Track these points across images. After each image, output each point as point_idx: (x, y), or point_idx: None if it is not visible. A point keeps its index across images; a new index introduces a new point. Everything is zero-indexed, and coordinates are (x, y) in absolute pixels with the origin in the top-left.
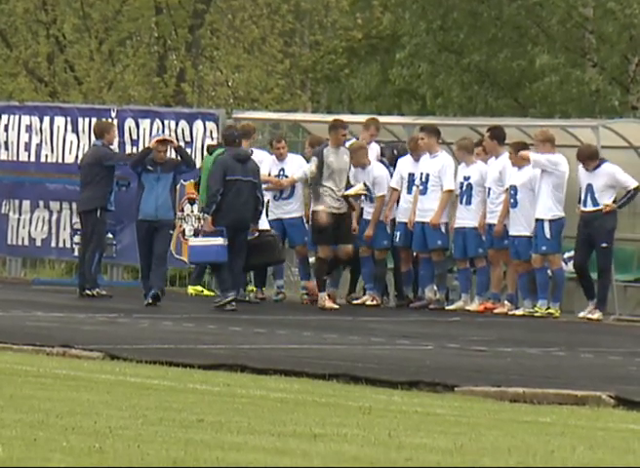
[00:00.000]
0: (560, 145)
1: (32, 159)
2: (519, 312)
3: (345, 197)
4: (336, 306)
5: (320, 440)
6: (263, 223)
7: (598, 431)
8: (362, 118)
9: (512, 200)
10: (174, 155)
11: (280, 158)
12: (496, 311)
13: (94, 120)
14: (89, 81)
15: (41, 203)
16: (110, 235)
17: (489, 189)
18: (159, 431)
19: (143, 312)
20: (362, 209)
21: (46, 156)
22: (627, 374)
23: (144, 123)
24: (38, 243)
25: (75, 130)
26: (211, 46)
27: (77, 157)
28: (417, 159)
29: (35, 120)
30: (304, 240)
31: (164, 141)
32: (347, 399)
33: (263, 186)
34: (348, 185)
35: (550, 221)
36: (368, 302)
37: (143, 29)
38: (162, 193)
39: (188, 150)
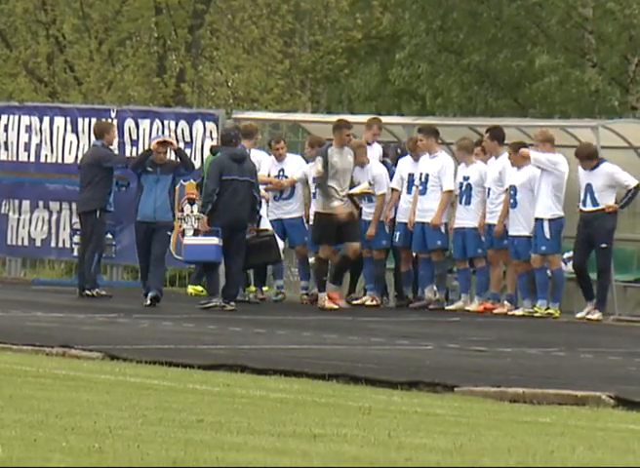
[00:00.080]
0: (560, 145)
1: (32, 159)
2: (519, 312)
3: (350, 196)
4: (335, 306)
5: (320, 440)
6: (265, 223)
7: (598, 431)
8: (362, 118)
9: (512, 200)
10: (173, 156)
11: (279, 159)
12: (495, 311)
13: (93, 120)
14: (88, 81)
15: (41, 203)
16: (110, 235)
17: (488, 189)
18: (159, 431)
19: (143, 312)
20: (361, 209)
21: (46, 156)
22: (627, 375)
23: (144, 123)
24: (38, 243)
25: (75, 130)
26: (210, 46)
27: (77, 157)
28: (416, 159)
29: (35, 120)
30: (304, 240)
31: (164, 143)
32: (347, 399)
33: (263, 187)
34: (353, 185)
35: (550, 221)
36: (368, 302)
37: (143, 29)
38: (161, 195)
39: (188, 150)
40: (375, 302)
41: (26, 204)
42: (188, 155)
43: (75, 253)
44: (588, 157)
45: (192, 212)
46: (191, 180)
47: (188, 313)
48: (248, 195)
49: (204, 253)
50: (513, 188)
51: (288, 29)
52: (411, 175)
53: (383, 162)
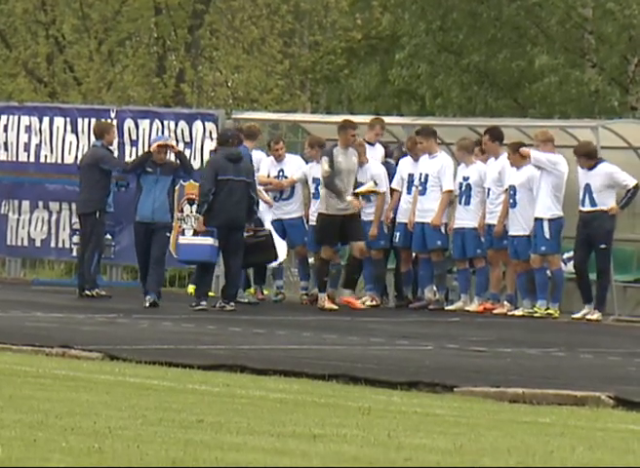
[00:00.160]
0: (559, 146)
1: (32, 159)
2: (518, 312)
3: (356, 195)
4: (335, 307)
5: (319, 440)
6: (267, 223)
7: (597, 431)
8: (361, 118)
9: (511, 200)
10: (173, 157)
11: (278, 159)
12: (495, 311)
13: (93, 120)
14: (88, 81)
15: (40, 203)
16: (109, 236)
17: (488, 190)
18: (158, 431)
19: (143, 312)
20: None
21: (45, 156)
22: (627, 375)
23: (144, 123)
24: (37, 243)
25: (75, 130)
26: (210, 46)
27: (77, 157)
28: (416, 159)
29: (35, 120)
30: (304, 240)
31: (165, 146)
32: (347, 399)
33: (261, 187)
34: (357, 184)
35: (550, 221)
36: (367, 303)
37: (143, 30)
38: (160, 195)
39: (187, 151)
40: (374, 302)
41: (26, 204)
42: (188, 155)
43: (74, 254)
44: (586, 155)
45: (192, 212)
46: (191, 181)
47: (188, 313)
48: (244, 195)
49: (198, 252)
50: (513, 188)
51: (287, 29)
52: (410, 176)
53: (386, 162)
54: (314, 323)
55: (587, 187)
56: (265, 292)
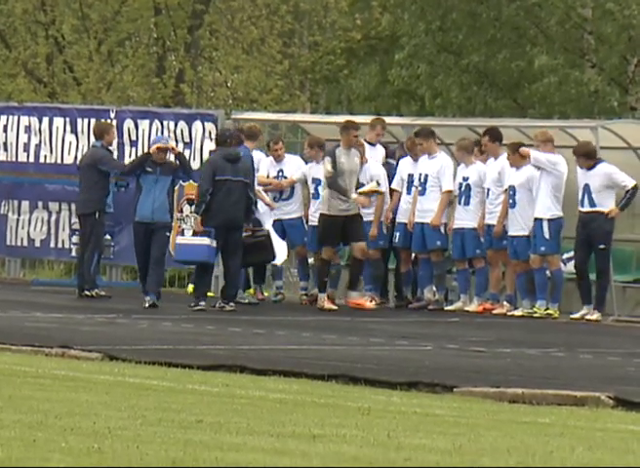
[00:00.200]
0: (559, 146)
1: (31, 160)
2: (518, 313)
3: (354, 200)
4: (335, 307)
5: (319, 440)
6: (267, 225)
7: (597, 431)
8: (362, 119)
9: (511, 200)
10: (173, 158)
11: (278, 159)
12: (495, 312)
13: (93, 121)
14: (88, 82)
15: (40, 203)
16: (108, 236)
17: (488, 190)
18: (158, 431)
19: (142, 313)
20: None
21: (45, 157)
22: (626, 375)
23: (143, 124)
24: (37, 243)
25: (74, 130)
26: (210, 47)
27: (76, 158)
28: (416, 160)
29: (34, 121)
30: (304, 241)
31: (165, 149)
32: (346, 399)
33: (260, 188)
34: (359, 185)
35: (549, 221)
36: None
37: (142, 30)
38: (159, 195)
39: (187, 151)
40: (374, 302)
41: (26, 204)
42: (188, 156)
43: (73, 254)
44: (585, 155)
45: (192, 212)
46: (191, 181)
47: (187, 314)
48: (242, 195)
49: (194, 253)
50: (512, 188)
51: (287, 30)
52: (410, 176)
53: (387, 163)
54: (314, 323)
55: (586, 187)
56: (266, 294)
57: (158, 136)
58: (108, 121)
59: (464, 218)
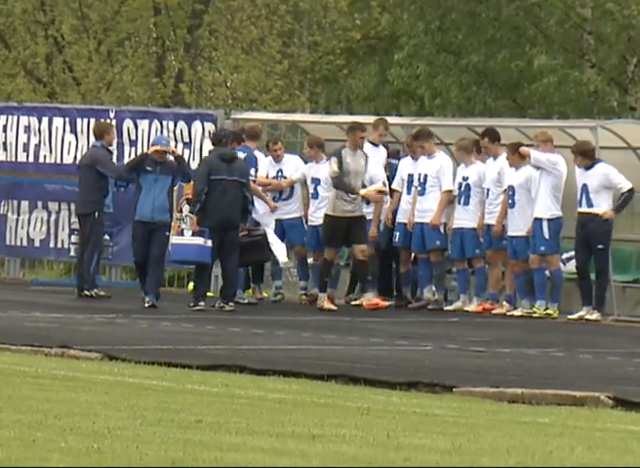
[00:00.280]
0: (558, 146)
1: (31, 160)
2: (517, 313)
3: (364, 195)
4: (334, 307)
5: (319, 440)
6: (268, 228)
7: (596, 431)
8: (360, 119)
9: (510, 200)
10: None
11: (277, 160)
12: (494, 312)
13: (92, 121)
14: (87, 82)
15: (39, 203)
16: (107, 236)
17: (487, 190)
18: (158, 431)
19: (142, 313)
20: None
21: (44, 157)
22: (626, 375)
23: (143, 124)
24: (37, 243)
25: (74, 130)
26: (209, 46)
27: (76, 158)
28: (416, 159)
29: (34, 121)
30: (303, 240)
31: (164, 152)
32: (346, 399)
33: (260, 188)
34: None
35: (549, 221)
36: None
37: (142, 30)
38: (159, 195)
39: (186, 151)
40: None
41: (25, 204)
42: (187, 155)
43: (72, 253)
44: (583, 154)
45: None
46: (192, 181)
47: (187, 313)
48: (238, 195)
49: (186, 252)
50: (511, 188)
51: (287, 30)
52: (410, 176)
53: (389, 163)
54: (313, 323)
55: (584, 187)
56: (265, 295)
57: (158, 135)
58: (108, 121)
59: (464, 218)
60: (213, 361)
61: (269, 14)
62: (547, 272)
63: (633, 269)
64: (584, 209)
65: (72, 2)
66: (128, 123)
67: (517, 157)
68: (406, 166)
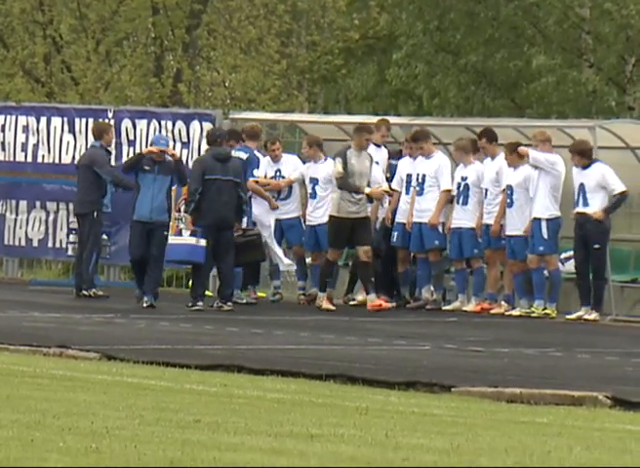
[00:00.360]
0: (557, 146)
1: (29, 159)
2: (516, 312)
3: (368, 195)
4: (333, 307)
5: (317, 440)
6: (270, 225)
7: (595, 431)
8: (359, 119)
9: (508, 200)
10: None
11: (275, 159)
12: (492, 312)
13: (90, 120)
14: (86, 82)
15: (38, 203)
16: (105, 236)
17: (486, 190)
18: (156, 431)
19: (140, 312)
20: None
21: (43, 156)
22: (624, 375)
23: (141, 123)
24: (35, 243)
25: (72, 130)
26: (208, 46)
27: (74, 157)
28: (414, 157)
29: (32, 120)
30: (301, 240)
31: (162, 152)
32: (344, 399)
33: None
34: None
35: (547, 221)
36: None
37: (140, 30)
38: (158, 195)
39: (185, 151)
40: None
41: (23, 204)
42: (185, 155)
43: (70, 253)
44: (580, 153)
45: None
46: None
47: (185, 313)
48: (233, 195)
49: (179, 252)
50: (510, 188)
51: (285, 29)
52: (409, 176)
53: (389, 164)
54: (312, 323)
55: (582, 187)
56: (260, 294)
57: (157, 135)
58: (106, 121)
59: (462, 218)
60: (211, 361)
61: (268, 14)
62: (546, 272)
63: (631, 269)
64: (581, 208)
65: (71, 2)
66: (126, 123)
67: (515, 156)
68: (404, 166)
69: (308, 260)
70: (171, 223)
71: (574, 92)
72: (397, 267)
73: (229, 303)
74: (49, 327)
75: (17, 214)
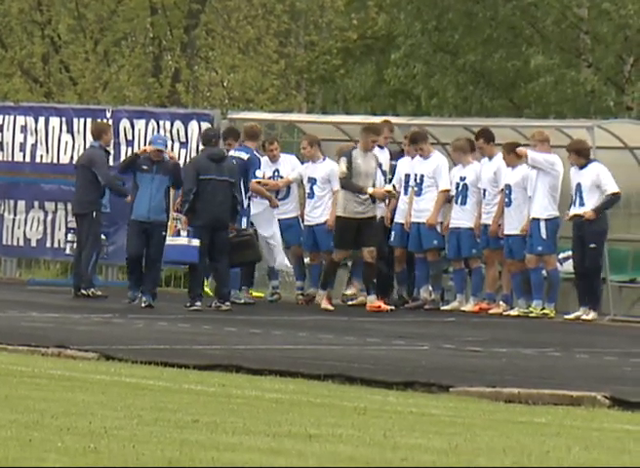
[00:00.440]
0: (555, 146)
1: (27, 159)
2: (514, 312)
3: (371, 195)
4: (331, 307)
5: (315, 440)
6: (268, 231)
7: (593, 431)
8: (357, 119)
9: (506, 199)
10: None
11: (273, 159)
12: (491, 312)
13: (89, 120)
14: (84, 82)
15: (36, 203)
16: (103, 236)
17: (484, 190)
18: (154, 431)
19: (139, 312)
20: None
21: (41, 156)
22: (622, 375)
23: (139, 123)
24: (33, 243)
25: (70, 130)
26: (206, 46)
27: (72, 157)
28: (413, 156)
29: (30, 120)
30: (300, 240)
31: (160, 151)
32: (343, 399)
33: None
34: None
35: (546, 221)
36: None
37: (139, 30)
38: (156, 194)
39: (183, 151)
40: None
41: (22, 204)
42: (184, 155)
43: (68, 252)
44: (577, 152)
45: None
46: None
47: (184, 313)
48: (228, 195)
49: (174, 252)
50: (508, 187)
51: (283, 29)
52: (407, 176)
53: (391, 165)
54: (310, 323)
55: (578, 187)
56: (258, 294)
57: (155, 135)
58: (104, 121)
59: (461, 218)
60: (209, 361)
61: (266, 13)
62: (544, 272)
63: (629, 269)
64: (577, 208)
65: (69, 2)
66: (124, 123)
67: (513, 156)
68: (403, 166)
69: (307, 260)
70: (169, 223)
71: (572, 92)
72: (394, 267)
73: (227, 303)
74: (47, 327)
75: (15, 214)
